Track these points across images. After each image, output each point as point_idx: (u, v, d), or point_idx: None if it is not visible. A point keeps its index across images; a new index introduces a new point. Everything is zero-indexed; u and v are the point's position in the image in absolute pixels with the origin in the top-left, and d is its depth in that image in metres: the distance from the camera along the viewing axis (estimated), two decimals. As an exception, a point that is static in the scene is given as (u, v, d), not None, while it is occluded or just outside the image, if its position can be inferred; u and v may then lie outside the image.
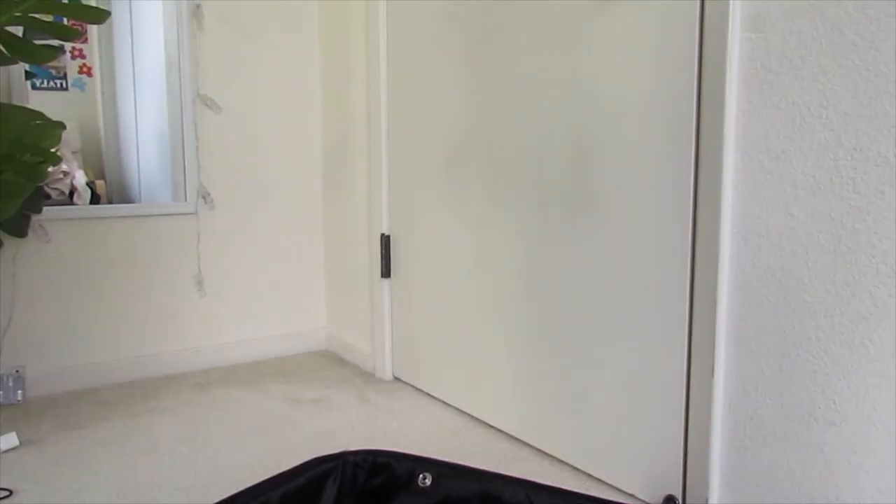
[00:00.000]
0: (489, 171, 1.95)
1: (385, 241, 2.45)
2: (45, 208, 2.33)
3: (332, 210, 2.80)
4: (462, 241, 2.08)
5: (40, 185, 2.26)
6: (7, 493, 1.67)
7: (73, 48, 2.69)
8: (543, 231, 1.79)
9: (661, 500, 1.49)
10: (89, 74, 2.73)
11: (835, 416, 1.21)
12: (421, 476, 0.99)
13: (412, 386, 2.43)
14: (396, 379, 2.50)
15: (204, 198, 2.62)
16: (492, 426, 2.05)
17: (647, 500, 1.55)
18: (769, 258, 1.30)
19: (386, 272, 2.47)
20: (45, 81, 2.63)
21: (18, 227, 2.26)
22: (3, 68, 2.31)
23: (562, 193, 1.72)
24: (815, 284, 1.23)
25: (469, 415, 2.15)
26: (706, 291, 1.39)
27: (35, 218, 2.32)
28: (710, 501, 1.41)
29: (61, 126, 1.87)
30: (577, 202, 1.68)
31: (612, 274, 1.61)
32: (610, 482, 1.64)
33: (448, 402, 2.23)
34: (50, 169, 2.33)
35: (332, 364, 2.73)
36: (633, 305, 1.56)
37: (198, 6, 2.56)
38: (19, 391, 2.31)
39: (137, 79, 2.78)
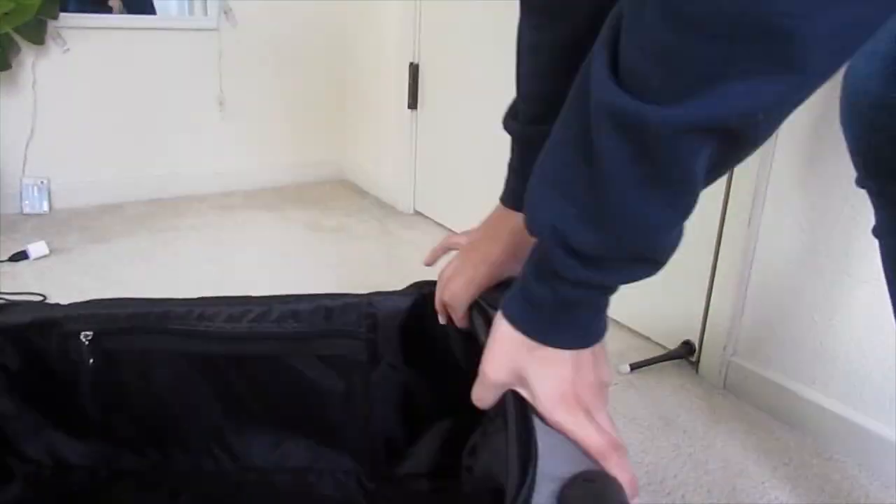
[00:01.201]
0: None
1: (413, 70, 2.36)
2: (61, 15, 2.24)
3: (361, 36, 2.68)
4: (499, 72, 2.00)
5: (56, -12, 2.16)
6: (41, 297, 1.73)
7: None
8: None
9: (678, 345, 1.52)
10: None
11: (869, 275, 1.20)
12: None
13: (433, 220, 2.43)
14: (417, 213, 2.51)
15: (226, 13, 2.50)
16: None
17: (664, 344, 1.59)
18: (809, 111, 1.23)
19: (412, 103, 2.40)
20: None
21: (35, 34, 2.18)
22: None
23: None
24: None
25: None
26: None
27: (52, 24, 2.23)
28: (728, 348, 1.44)
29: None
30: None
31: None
32: (627, 324, 1.67)
33: (469, 238, 2.24)
34: (64, -28, 2.21)
35: (351, 194, 2.73)
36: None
37: None
38: (45, 202, 2.33)
39: None
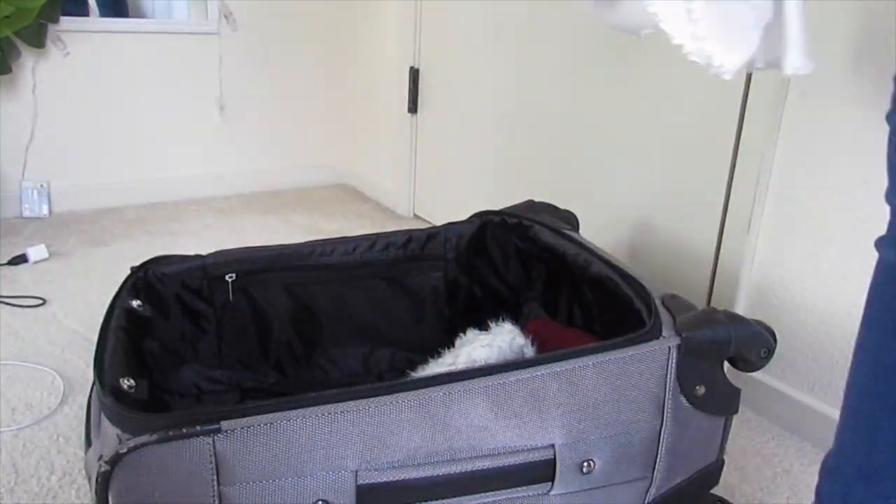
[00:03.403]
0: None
1: (413, 74, 2.36)
2: (61, 19, 2.24)
3: (361, 40, 2.68)
4: (498, 77, 2.00)
5: (56, -8, 2.16)
6: (40, 301, 1.73)
7: None
8: (590, 70, 1.70)
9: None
10: None
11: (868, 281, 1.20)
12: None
13: (433, 224, 2.43)
14: (417, 217, 2.51)
15: (226, 17, 2.50)
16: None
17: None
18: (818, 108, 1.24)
19: (413, 107, 2.40)
20: None
21: (36, 38, 2.18)
22: None
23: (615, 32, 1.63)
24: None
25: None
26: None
27: (52, 28, 2.23)
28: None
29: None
30: (631, 41, 1.59)
31: (663, 116, 1.55)
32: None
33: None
34: (65, -24, 2.21)
35: (352, 199, 2.73)
36: (686, 143, 1.52)
37: None
38: (45, 205, 2.33)
39: None
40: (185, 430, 0.70)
